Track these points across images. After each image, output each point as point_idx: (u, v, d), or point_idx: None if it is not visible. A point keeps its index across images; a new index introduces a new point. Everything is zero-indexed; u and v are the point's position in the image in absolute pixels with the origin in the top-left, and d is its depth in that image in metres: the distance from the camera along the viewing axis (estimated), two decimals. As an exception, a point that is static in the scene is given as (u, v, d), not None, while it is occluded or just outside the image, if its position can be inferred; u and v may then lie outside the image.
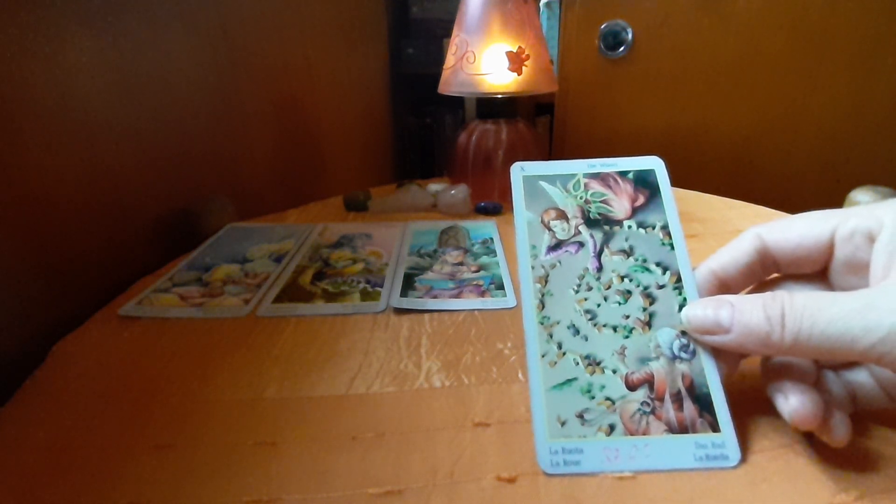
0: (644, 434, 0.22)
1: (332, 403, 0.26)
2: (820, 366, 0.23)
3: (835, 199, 0.48)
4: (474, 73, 0.51)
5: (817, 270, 0.23)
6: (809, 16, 0.79)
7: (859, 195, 0.46)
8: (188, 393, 0.27)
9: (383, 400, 0.26)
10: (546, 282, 0.25)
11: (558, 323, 0.24)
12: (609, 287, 0.25)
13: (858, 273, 0.21)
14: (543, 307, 0.24)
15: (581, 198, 0.27)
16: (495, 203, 0.53)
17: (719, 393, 0.22)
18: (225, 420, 0.25)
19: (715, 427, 0.22)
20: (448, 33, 0.55)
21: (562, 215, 0.27)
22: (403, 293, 0.36)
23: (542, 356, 0.23)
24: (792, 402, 0.20)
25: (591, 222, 0.26)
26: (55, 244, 0.35)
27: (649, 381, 0.23)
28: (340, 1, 0.88)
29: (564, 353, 0.23)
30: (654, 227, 0.26)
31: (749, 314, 0.20)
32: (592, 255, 0.26)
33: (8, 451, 0.23)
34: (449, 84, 0.53)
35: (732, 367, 0.23)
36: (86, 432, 0.24)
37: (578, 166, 0.28)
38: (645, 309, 0.24)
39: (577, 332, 0.24)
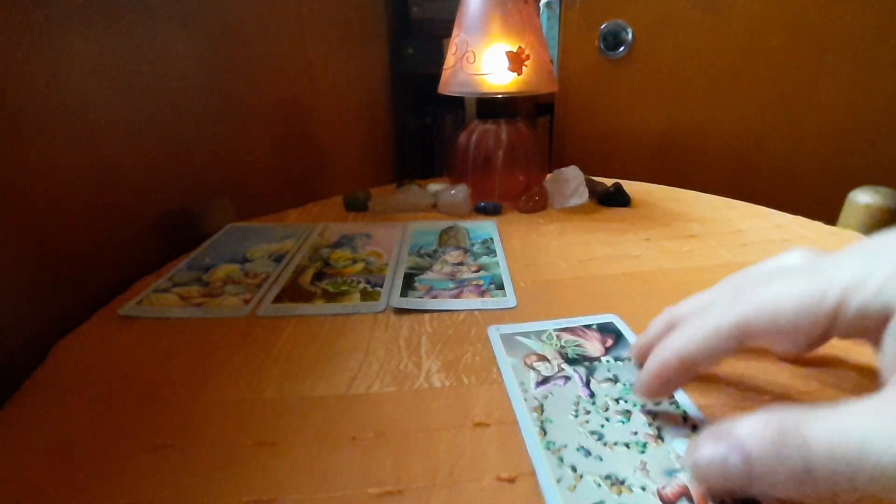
0: None
1: (332, 403, 0.26)
2: None
3: (835, 199, 0.48)
4: (474, 73, 0.51)
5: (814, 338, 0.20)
6: (809, 16, 0.79)
7: (859, 195, 0.46)
8: (188, 393, 0.27)
9: (383, 400, 0.26)
10: (542, 410, 0.25)
11: (566, 446, 0.23)
12: (607, 409, 0.25)
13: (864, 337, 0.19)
14: (545, 434, 0.23)
15: (556, 345, 0.30)
16: (495, 203, 0.53)
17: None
18: (225, 420, 0.25)
19: None
20: (448, 33, 0.55)
21: (542, 358, 0.29)
22: (403, 293, 0.36)
23: (558, 481, 0.21)
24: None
25: (571, 361, 0.28)
26: (55, 244, 0.35)
27: (686, 495, 0.20)
28: (340, 1, 0.88)
29: (581, 476, 0.21)
30: (629, 360, 0.28)
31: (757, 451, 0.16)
32: (581, 384, 0.26)
33: (8, 451, 0.23)
34: (449, 84, 0.53)
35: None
36: (86, 432, 0.24)
37: (548, 325, 0.32)
38: (650, 423, 0.24)
39: (588, 453, 0.22)
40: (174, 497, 0.21)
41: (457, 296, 0.36)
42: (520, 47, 0.50)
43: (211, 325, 0.33)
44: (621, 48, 0.88)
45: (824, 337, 0.20)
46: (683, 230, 0.47)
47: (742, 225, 0.48)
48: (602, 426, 0.24)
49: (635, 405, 0.25)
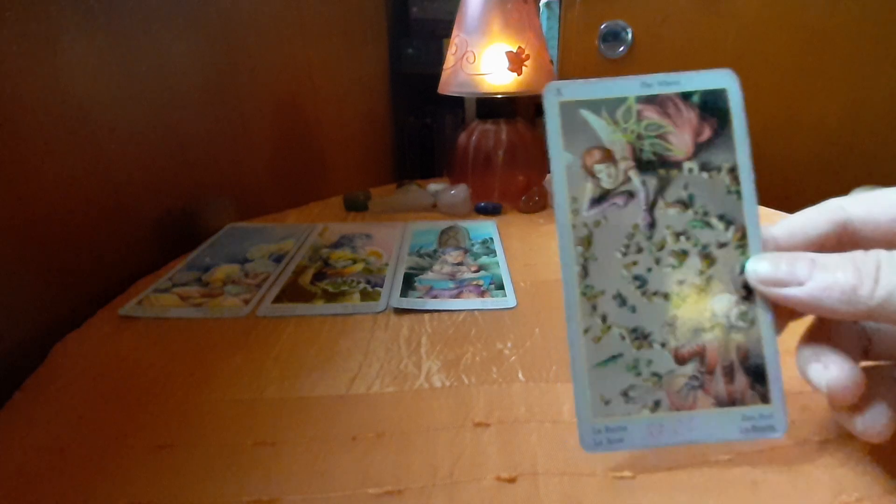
0: (690, 409, 0.20)
1: (332, 403, 0.26)
2: (872, 359, 0.21)
3: (835, 199, 0.48)
4: (474, 73, 0.51)
5: None
6: (809, 16, 0.79)
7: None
8: (188, 393, 0.27)
9: (383, 400, 0.26)
10: (590, 244, 0.21)
11: (603, 293, 0.21)
12: (662, 248, 0.21)
13: None
14: (587, 275, 0.21)
15: (632, 132, 0.22)
16: (495, 203, 0.53)
17: (775, 362, 0.20)
18: (225, 420, 0.25)
19: (765, 398, 0.20)
20: (448, 33, 0.55)
21: (608, 156, 0.22)
22: (403, 293, 0.36)
23: (585, 332, 0.21)
24: (832, 370, 0.18)
25: (643, 165, 0.22)
26: (55, 244, 0.35)
27: (700, 355, 0.21)
28: (340, 1, 0.88)
29: (609, 328, 0.21)
30: (719, 171, 0.21)
31: (833, 268, 0.18)
32: (644, 208, 0.21)
33: (8, 451, 0.23)
34: (449, 84, 0.53)
35: (780, 325, 0.21)
36: (86, 432, 0.24)
37: (630, 86, 0.22)
38: (702, 272, 0.21)
39: (623, 302, 0.21)
40: (174, 497, 0.21)
41: (457, 296, 0.36)
42: (520, 47, 0.50)
43: (211, 325, 0.33)
44: (621, 48, 0.88)
45: None
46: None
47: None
48: (649, 270, 0.21)
49: (696, 244, 0.21)
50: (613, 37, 0.89)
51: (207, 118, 0.53)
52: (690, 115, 0.22)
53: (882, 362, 0.21)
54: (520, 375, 0.28)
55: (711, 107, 0.22)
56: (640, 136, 0.22)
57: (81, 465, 0.22)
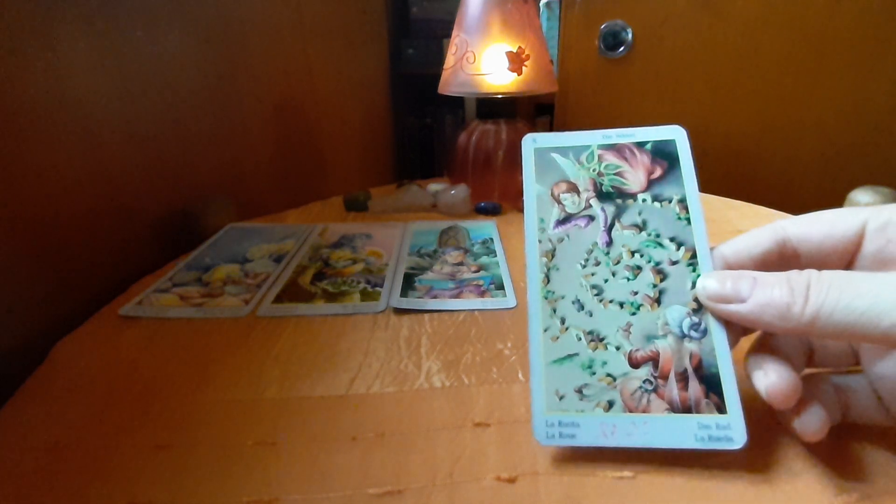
0: (644, 412, 0.21)
1: (332, 403, 0.26)
2: (815, 366, 0.23)
3: (835, 200, 0.48)
4: (474, 73, 0.51)
5: (841, 266, 0.22)
6: (809, 16, 0.79)
7: (859, 195, 0.45)
8: (188, 393, 0.27)
9: (383, 400, 0.26)
10: (553, 256, 0.25)
11: (563, 298, 0.24)
12: (618, 262, 0.24)
13: (887, 268, 0.20)
14: (549, 281, 0.24)
15: (594, 170, 0.26)
16: (495, 203, 0.53)
17: (730, 373, 0.21)
18: (225, 420, 0.25)
19: (721, 408, 0.21)
20: (448, 33, 0.55)
21: (573, 188, 0.26)
22: (403, 293, 0.36)
23: (545, 330, 0.23)
24: (771, 377, 0.20)
25: (602, 195, 0.25)
26: (55, 244, 0.35)
27: (654, 359, 0.22)
28: (340, 1, 0.88)
29: (567, 329, 0.23)
30: (670, 201, 0.24)
31: (771, 286, 0.19)
32: (603, 229, 0.25)
33: (8, 451, 0.23)
34: (449, 84, 0.53)
35: (733, 340, 0.23)
36: (86, 432, 0.24)
37: (593, 137, 0.27)
38: (655, 285, 0.23)
39: (581, 307, 0.24)
40: (174, 497, 0.21)
41: (457, 296, 0.36)
42: (520, 47, 0.50)
43: (211, 325, 0.33)
44: (621, 48, 0.88)
45: (857, 249, 0.21)
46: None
47: (742, 225, 0.48)
48: (606, 280, 0.24)
49: (649, 261, 0.24)
50: (613, 37, 0.89)
51: (207, 118, 0.53)
52: (644, 158, 0.26)
53: (823, 370, 0.23)
54: (520, 375, 0.28)
55: (662, 152, 0.26)
56: (600, 174, 0.26)
57: (81, 465, 0.22)
